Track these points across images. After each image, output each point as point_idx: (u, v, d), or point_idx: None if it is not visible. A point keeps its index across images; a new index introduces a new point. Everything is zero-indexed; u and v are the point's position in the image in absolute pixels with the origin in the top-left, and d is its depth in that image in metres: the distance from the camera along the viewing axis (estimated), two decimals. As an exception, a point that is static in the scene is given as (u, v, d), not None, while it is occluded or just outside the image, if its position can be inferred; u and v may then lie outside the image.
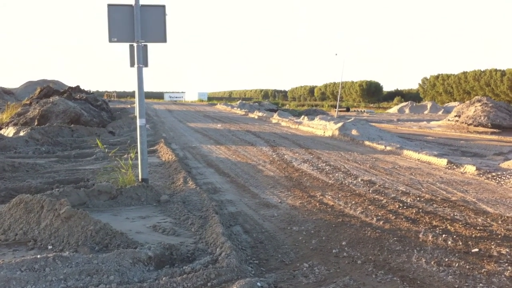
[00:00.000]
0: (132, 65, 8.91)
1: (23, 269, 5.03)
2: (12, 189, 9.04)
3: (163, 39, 8.88)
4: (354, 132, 20.55)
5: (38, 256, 5.21)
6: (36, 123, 19.56)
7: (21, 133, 16.21)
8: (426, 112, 62.30)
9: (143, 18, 8.74)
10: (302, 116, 31.88)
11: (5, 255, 5.82)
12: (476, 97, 39.92)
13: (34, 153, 13.82)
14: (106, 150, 12.25)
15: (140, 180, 9.08)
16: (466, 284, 5.14)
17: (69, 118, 19.95)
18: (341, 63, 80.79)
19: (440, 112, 60.11)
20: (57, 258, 5.19)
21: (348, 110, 62.37)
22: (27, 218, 6.59)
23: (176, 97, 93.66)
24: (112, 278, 5.05)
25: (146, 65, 8.98)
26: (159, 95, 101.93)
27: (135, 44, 8.75)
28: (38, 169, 11.39)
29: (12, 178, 10.28)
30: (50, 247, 6.11)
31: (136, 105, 9.04)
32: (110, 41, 8.60)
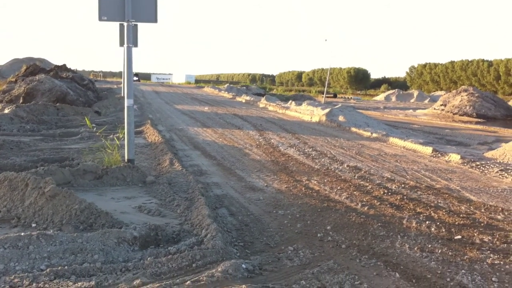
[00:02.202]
0: (121, 44, 8.82)
1: (6, 246, 5.00)
2: (-5, 166, 8.94)
3: (154, 19, 8.77)
4: (341, 118, 20.60)
5: (22, 234, 5.18)
6: (21, 101, 19.33)
7: (6, 111, 16.02)
8: (412, 100, 62.58)
9: (134, -3, 8.62)
10: (290, 101, 31.84)
11: (-12, 232, 5.78)
12: (462, 87, 40.19)
13: (18, 131, 13.67)
14: (95, 129, 12.13)
15: (126, 160, 9.03)
16: (449, 270, 5.19)
17: (55, 96, 19.74)
18: (330, 49, 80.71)
19: (426, 101, 60.38)
20: (41, 236, 5.17)
21: (335, 96, 62.43)
22: (11, 196, 6.54)
23: (163, 79, 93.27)
24: (97, 257, 5.03)
25: (135, 45, 8.89)
26: (146, 76, 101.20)
27: (125, 24, 8.64)
28: (23, 147, 11.29)
29: (-4, 155, 10.16)
30: (34, 225, 6.07)
31: (124, 85, 8.95)
32: (100, 19, 8.47)
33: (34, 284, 4.43)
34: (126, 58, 8.85)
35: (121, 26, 8.81)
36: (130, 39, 8.77)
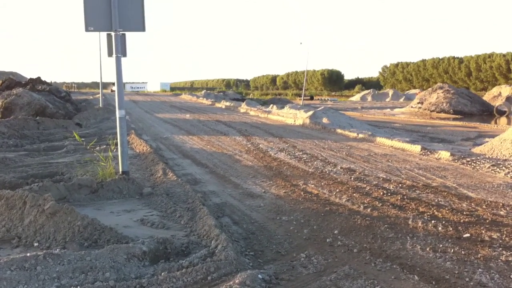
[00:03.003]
0: (110, 55, 8.63)
1: (13, 268, 4.80)
2: (-16, 185, 8.65)
3: (142, 28, 8.61)
4: (325, 120, 20.63)
5: (28, 254, 4.98)
6: (-1, 116, 18.91)
7: (-14, 127, 15.61)
8: (388, 99, 63.30)
9: (121, 6, 8.43)
10: (271, 105, 31.81)
11: (-11, 254, 5.56)
12: (438, 84, 40.71)
13: (1, 146, 13.31)
14: (85, 143, 11.87)
15: (120, 172, 8.83)
16: (466, 269, 5.16)
17: (34, 110, 19.34)
18: (306, 52, 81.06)
19: (401, 100, 61.17)
20: (48, 256, 4.98)
21: (312, 98, 62.83)
22: (9, 215, 6.32)
23: (138, 88, 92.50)
24: (108, 275, 4.86)
25: (124, 55, 8.70)
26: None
27: (113, 34, 8.46)
28: (8, 163, 10.99)
29: (-18, 173, 9.85)
30: (36, 244, 5.87)
31: (116, 95, 8.76)
32: (87, 30, 8.29)
33: (48, 307, 4.26)
34: (115, 68, 8.67)
35: (109, 36, 8.62)
36: (118, 49, 8.59)
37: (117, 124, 8.77)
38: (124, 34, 8.64)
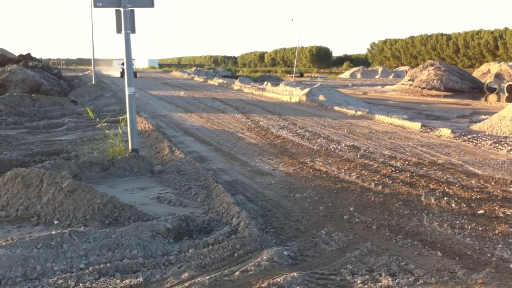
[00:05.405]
0: (119, 31, 8.55)
1: (39, 246, 4.81)
2: (-9, 162, 8.60)
3: (150, 4, 8.54)
4: (321, 97, 20.64)
5: (53, 232, 5.00)
6: (-7, 93, 18.65)
7: (-18, 104, 15.42)
8: (377, 76, 63.33)
9: (129, -18, 8.35)
10: (265, 83, 31.72)
11: (10, 232, 5.57)
12: (429, 61, 40.84)
13: (1, 124, 13.19)
14: (97, 119, 11.76)
15: (130, 150, 8.82)
16: (486, 246, 5.24)
17: (29, 87, 19.12)
18: (297, 29, 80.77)
19: (390, 77, 61.28)
20: (73, 234, 5.00)
21: (302, 75, 62.66)
22: (26, 193, 6.30)
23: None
24: (136, 253, 4.89)
25: (133, 31, 8.63)
26: (107, 62, 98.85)
27: (121, 10, 8.37)
28: (11, 141, 10.91)
29: (-14, 151, 9.77)
30: (56, 222, 5.88)
31: (125, 72, 8.71)
32: (95, 6, 8.22)
33: (80, 285, 4.26)
34: (124, 45, 8.59)
35: (118, 12, 8.53)
36: (127, 25, 8.50)
37: (127, 101, 8.76)
38: (133, 10, 8.55)
